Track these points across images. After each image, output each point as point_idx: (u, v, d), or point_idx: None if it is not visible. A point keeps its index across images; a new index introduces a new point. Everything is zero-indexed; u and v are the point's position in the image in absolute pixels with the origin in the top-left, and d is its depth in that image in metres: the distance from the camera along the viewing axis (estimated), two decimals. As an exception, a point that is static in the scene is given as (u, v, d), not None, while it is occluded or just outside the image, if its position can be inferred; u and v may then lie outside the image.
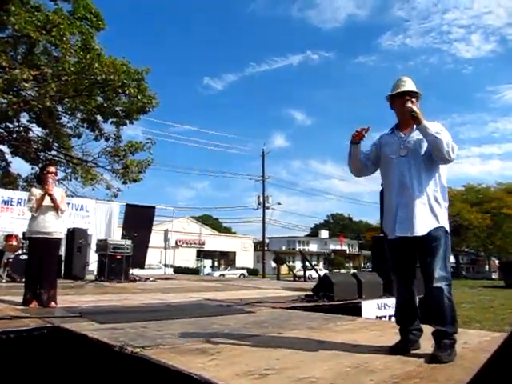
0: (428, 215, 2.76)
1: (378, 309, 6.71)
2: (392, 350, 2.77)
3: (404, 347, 2.78)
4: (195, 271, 34.33)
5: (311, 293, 6.63)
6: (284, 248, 60.01)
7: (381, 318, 6.54)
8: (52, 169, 5.24)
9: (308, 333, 3.52)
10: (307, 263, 14.50)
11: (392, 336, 3.42)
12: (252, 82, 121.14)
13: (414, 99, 2.91)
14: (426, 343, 2.75)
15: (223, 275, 32.20)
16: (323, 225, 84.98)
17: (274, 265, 53.01)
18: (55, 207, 4.98)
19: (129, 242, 10.16)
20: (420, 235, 2.73)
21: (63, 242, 8.74)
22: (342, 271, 49.97)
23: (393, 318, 6.81)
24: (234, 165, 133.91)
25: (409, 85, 2.99)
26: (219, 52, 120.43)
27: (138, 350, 2.67)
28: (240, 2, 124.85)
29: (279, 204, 47.29)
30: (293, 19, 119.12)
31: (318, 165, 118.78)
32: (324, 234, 71.41)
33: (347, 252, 67.16)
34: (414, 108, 2.81)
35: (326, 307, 5.81)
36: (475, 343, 3.09)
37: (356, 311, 6.13)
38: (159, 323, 3.89)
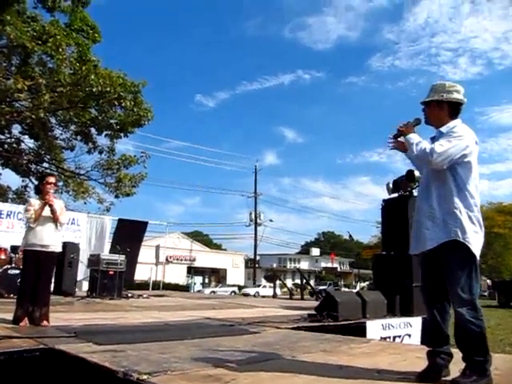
0: (437, 228, 2.59)
1: (383, 329, 6.48)
2: (421, 378, 2.54)
3: (434, 375, 2.55)
4: (185, 288, 33.68)
5: (314, 312, 6.39)
6: (275, 265, 59.51)
7: (385, 338, 6.30)
8: (52, 179, 4.99)
9: (323, 356, 3.27)
10: (305, 281, 14.21)
11: (414, 360, 3.22)
12: (244, 100, 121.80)
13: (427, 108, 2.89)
14: (457, 369, 2.52)
15: (214, 292, 31.59)
16: (314, 242, 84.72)
17: (264, 282, 52.54)
18: (54, 219, 4.72)
19: (122, 258, 9.84)
20: (430, 250, 2.62)
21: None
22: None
23: (397, 339, 6.68)
24: (225, 181, 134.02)
25: (429, 94, 2.88)
26: (211, 70, 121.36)
27: (145, 376, 2.41)
28: (232, 22, 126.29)
29: (271, 221, 47.13)
30: (284, 39, 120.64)
31: (309, 182, 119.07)
32: (315, 251, 71.12)
33: (338, 270, 66.74)
34: (401, 124, 2.88)
35: (331, 327, 5.57)
36: (505, 368, 2.87)
37: (361, 331, 5.90)
38: (162, 345, 3.63)
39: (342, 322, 5.88)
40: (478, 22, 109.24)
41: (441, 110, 2.82)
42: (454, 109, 2.82)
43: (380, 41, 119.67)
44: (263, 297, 24.01)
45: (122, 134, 14.30)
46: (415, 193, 8.31)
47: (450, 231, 2.55)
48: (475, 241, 2.55)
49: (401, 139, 2.89)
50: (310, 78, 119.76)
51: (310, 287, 13.86)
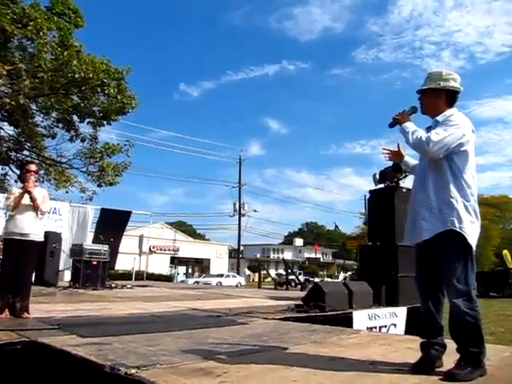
0: (433, 218, 2.55)
1: (369, 319, 6.50)
2: (416, 369, 2.50)
3: (428, 366, 2.52)
4: (168, 278, 33.40)
5: (301, 302, 6.36)
6: (259, 255, 59.67)
7: (371, 328, 6.32)
8: (32, 167, 4.82)
9: (315, 348, 3.23)
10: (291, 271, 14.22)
11: (405, 351, 3.20)
12: (228, 90, 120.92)
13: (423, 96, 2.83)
14: (451, 360, 2.49)
15: (197, 282, 31.17)
16: (297, 233, 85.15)
17: (248, 272, 52.68)
18: (35, 207, 4.55)
19: (106, 248, 9.68)
20: (425, 241, 2.59)
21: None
22: (316, 279, 50.05)
23: (383, 329, 6.71)
24: (208, 172, 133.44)
25: (425, 82, 2.82)
26: (196, 59, 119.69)
27: (134, 370, 2.32)
28: (218, 11, 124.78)
29: (255, 211, 47.09)
30: (270, 29, 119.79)
31: (293, 173, 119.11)
32: (298, 242, 71.51)
33: (321, 260, 67.27)
34: (397, 113, 2.82)
35: (318, 318, 5.55)
36: (498, 359, 2.85)
37: (347, 321, 5.90)
38: (148, 337, 3.54)
39: (329, 313, 5.87)
40: (461, 15, 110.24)
41: (437, 98, 2.76)
42: (450, 97, 2.77)
43: (364, 33, 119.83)
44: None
45: (105, 122, 13.97)
46: (402, 184, 8.33)
47: (447, 221, 2.50)
48: (471, 231, 2.51)
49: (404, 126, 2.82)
50: (295, 68, 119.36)
51: (296, 278, 13.86)
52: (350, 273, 54.98)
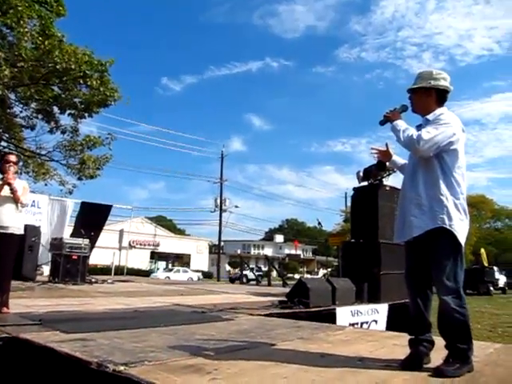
0: (424, 216, 2.56)
1: (352, 316, 6.56)
2: (404, 365, 2.51)
3: (416, 362, 2.53)
4: (148, 274, 32.94)
5: (285, 298, 6.37)
6: (239, 251, 59.67)
7: (353, 324, 6.37)
8: (11, 158, 4.68)
9: (303, 344, 3.22)
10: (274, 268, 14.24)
11: (392, 347, 3.23)
12: (211, 86, 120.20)
13: (413, 95, 2.84)
14: (439, 356, 2.52)
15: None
16: (278, 229, 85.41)
17: (228, 268, 52.59)
18: (15, 199, 4.42)
19: (86, 242, 9.51)
20: (415, 238, 2.59)
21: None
22: (296, 276, 50.31)
23: (364, 325, 6.77)
24: (190, 167, 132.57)
25: (416, 81, 2.84)
26: (178, 53, 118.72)
27: (122, 367, 2.26)
28: (201, 6, 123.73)
29: (237, 207, 47.01)
30: (253, 26, 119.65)
31: (274, 170, 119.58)
32: (279, 238, 71.74)
33: (301, 257, 67.66)
34: (387, 111, 2.84)
35: (302, 314, 5.56)
36: (483, 356, 2.90)
37: (331, 318, 5.94)
38: (134, 333, 3.47)
39: (313, 309, 5.89)
40: (442, 18, 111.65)
41: (428, 96, 2.78)
42: (440, 96, 2.79)
43: (348, 32, 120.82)
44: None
45: (86, 114, 13.74)
46: (385, 182, 8.40)
47: (437, 218, 2.52)
48: (461, 228, 2.53)
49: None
50: (278, 65, 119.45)
51: (280, 276, 13.91)
52: (329, 269, 55.44)
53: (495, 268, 31.10)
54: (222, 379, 2.17)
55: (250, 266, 40.21)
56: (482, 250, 29.70)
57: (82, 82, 12.18)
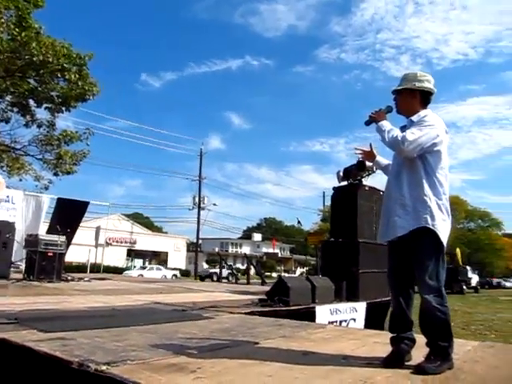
0: (407, 215, 2.60)
1: (331, 314, 6.61)
2: (386, 363, 2.55)
3: (398, 360, 2.57)
4: (123, 271, 32.35)
5: (265, 297, 6.37)
6: (217, 249, 59.51)
7: (332, 323, 6.43)
8: None
9: (285, 342, 3.23)
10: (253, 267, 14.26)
11: (373, 345, 3.26)
12: (191, 82, 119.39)
13: (398, 96, 2.87)
14: (419, 354, 2.56)
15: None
16: (256, 228, 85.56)
17: (206, 266, 52.41)
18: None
19: (63, 239, 9.32)
20: (399, 238, 2.62)
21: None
22: (274, 274, 50.50)
23: (343, 324, 6.84)
24: (168, 164, 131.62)
25: (400, 82, 2.87)
26: (158, 49, 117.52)
27: (104, 367, 2.22)
28: (181, 3, 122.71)
29: (215, 205, 46.93)
30: (234, 24, 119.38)
31: (253, 169, 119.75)
32: (257, 236, 71.89)
33: (279, 255, 67.97)
34: (373, 111, 2.86)
35: (282, 312, 5.58)
36: (462, 353, 2.95)
37: (310, 316, 5.97)
38: (114, 331, 3.42)
39: (293, 307, 5.91)
40: (420, 22, 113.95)
41: (412, 98, 2.82)
42: (424, 98, 2.84)
43: (328, 33, 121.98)
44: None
45: (63, 108, 13.45)
46: (365, 181, 8.50)
47: (420, 218, 2.56)
48: (443, 228, 2.58)
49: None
50: (259, 64, 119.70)
51: (259, 274, 13.92)
52: (306, 268, 55.83)
53: (468, 267, 31.89)
54: (207, 378, 2.15)
55: (222, 264, 40.30)
56: (458, 250, 30.36)
57: (59, 75, 11.93)
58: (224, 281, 21.90)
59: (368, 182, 8.50)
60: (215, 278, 33.84)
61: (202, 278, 34.51)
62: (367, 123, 2.92)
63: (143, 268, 35.25)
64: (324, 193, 52.96)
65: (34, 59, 10.98)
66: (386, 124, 2.77)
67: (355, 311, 7.26)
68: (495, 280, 46.80)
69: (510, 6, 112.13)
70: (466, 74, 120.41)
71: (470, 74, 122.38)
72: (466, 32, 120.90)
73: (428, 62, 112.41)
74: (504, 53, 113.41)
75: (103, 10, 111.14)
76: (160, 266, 37.70)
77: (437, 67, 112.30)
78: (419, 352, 2.55)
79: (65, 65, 11.52)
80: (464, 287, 28.43)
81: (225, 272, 35.59)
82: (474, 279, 32.71)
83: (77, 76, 11.97)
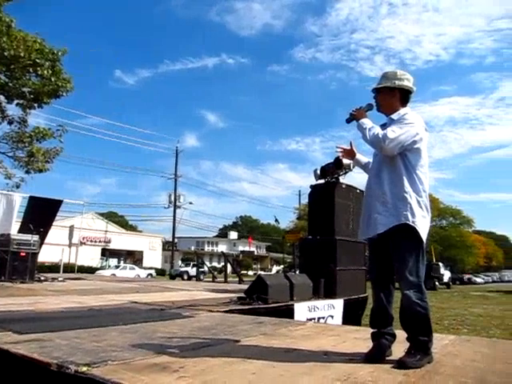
0: (388, 212, 2.63)
1: (309, 311, 6.66)
2: (368, 358, 2.58)
3: (379, 355, 2.60)
4: (97, 271, 31.60)
5: (243, 295, 6.37)
6: (193, 248, 59.20)
7: (311, 320, 6.47)
8: None
9: (266, 340, 3.23)
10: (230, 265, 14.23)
11: (353, 341, 3.30)
12: (166, 80, 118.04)
13: (378, 95, 2.91)
14: (400, 349, 2.59)
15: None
16: (232, 226, 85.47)
17: (182, 265, 52.04)
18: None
19: (36, 238, 9.12)
20: (379, 235, 2.65)
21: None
22: (250, 273, 50.59)
23: (321, 320, 6.89)
24: (143, 162, 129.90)
25: (380, 81, 2.91)
26: (132, 46, 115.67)
27: (84, 368, 2.18)
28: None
29: (191, 203, 46.72)
30: (210, 22, 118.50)
31: (229, 167, 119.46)
32: (233, 235, 71.78)
33: (255, 253, 68.07)
34: (354, 109, 2.90)
35: (261, 310, 5.59)
36: (440, 347, 3.01)
37: (289, 313, 6.00)
38: (92, 332, 3.36)
39: (272, 305, 5.93)
40: (394, 23, 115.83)
41: (392, 96, 2.86)
42: (404, 96, 2.87)
43: (303, 32, 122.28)
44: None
45: (36, 105, 13.08)
46: (342, 179, 8.58)
47: (401, 215, 2.59)
48: (423, 225, 2.62)
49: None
50: (235, 62, 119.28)
51: (236, 272, 13.91)
52: (282, 266, 56.08)
53: (440, 264, 32.61)
54: (190, 377, 2.13)
55: (193, 263, 40.35)
56: (431, 247, 31.02)
57: (31, 70, 11.59)
58: (193, 279, 21.82)
59: (345, 180, 8.59)
60: (186, 277, 33.82)
61: (173, 277, 34.18)
62: (348, 121, 2.94)
63: (116, 267, 34.54)
64: (300, 191, 53.35)
65: (5, 54, 10.64)
66: (366, 122, 2.80)
67: (333, 308, 7.33)
68: (466, 276, 48.02)
69: (480, 9, 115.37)
70: (438, 74, 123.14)
71: (441, 75, 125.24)
72: (437, 33, 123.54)
73: (401, 63, 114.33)
74: (474, 54, 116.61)
75: (76, 6, 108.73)
76: (133, 266, 37.03)
77: (410, 67, 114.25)
78: (400, 347, 2.58)
79: (37, 60, 11.19)
80: (436, 283, 29.06)
81: (195, 271, 35.73)
82: (446, 275, 33.45)
83: (50, 72, 11.65)
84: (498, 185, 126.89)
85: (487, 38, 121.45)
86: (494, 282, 52.98)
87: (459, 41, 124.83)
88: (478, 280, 48.19)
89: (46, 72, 11.57)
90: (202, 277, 22.18)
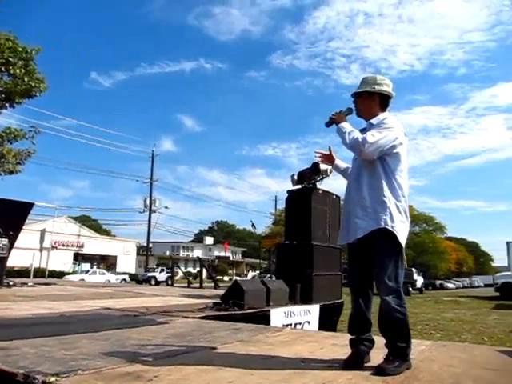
0: (367, 217, 2.62)
1: (285, 317, 6.62)
2: (346, 365, 2.54)
3: (358, 361, 2.57)
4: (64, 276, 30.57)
5: (219, 300, 6.28)
6: (168, 253, 58.57)
7: (287, 325, 6.43)
8: None
9: (243, 347, 3.16)
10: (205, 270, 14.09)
11: (331, 347, 3.27)
12: (142, 83, 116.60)
13: (357, 99, 2.91)
14: (378, 355, 2.57)
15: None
16: (208, 231, 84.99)
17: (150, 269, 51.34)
18: None
19: (5, 242, 8.83)
20: (359, 239, 2.63)
21: None
22: (226, 278, 50.32)
23: (298, 326, 6.86)
24: (118, 165, 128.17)
25: (360, 85, 2.91)
26: (108, 48, 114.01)
27: (53, 378, 2.08)
28: (134, 2, 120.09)
29: (166, 208, 46.25)
30: (188, 26, 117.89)
31: (205, 172, 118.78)
32: (209, 240, 71.30)
33: (231, 259, 67.79)
34: (333, 113, 2.88)
35: (237, 316, 5.52)
36: (417, 352, 3.00)
37: (265, 319, 5.95)
38: (62, 339, 3.23)
39: (249, 311, 5.86)
40: (369, 33, 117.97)
41: (372, 101, 2.86)
42: (383, 101, 2.88)
43: (281, 39, 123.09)
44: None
45: (7, 105, 12.72)
46: (318, 185, 8.60)
47: (380, 219, 2.58)
48: (402, 230, 2.61)
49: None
50: (212, 67, 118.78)
51: (211, 278, 13.76)
52: (258, 271, 56.04)
53: (414, 270, 33.12)
54: (165, 386, 2.05)
55: (160, 268, 40.08)
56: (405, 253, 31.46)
57: (3, 69, 11.23)
58: (163, 285, 21.45)
59: (322, 185, 8.61)
60: (153, 283, 33.39)
61: (140, 282, 33.49)
62: (327, 124, 2.92)
63: (86, 272, 33.53)
64: (276, 196, 53.53)
65: (-24, 51, 10.34)
66: (346, 126, 2.79)
67: (309, 313, 7.31)
68: (438, 282, 48.95)
69: (453, 21, 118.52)
70: (412, 84, 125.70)
71: (415, 84, 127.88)
72: (412, 44, 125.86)
73: (377, 72, 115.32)
74: (447, 65, 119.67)
75: (53, 6, 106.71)
76: (104, 271, 36.10)
77: (385, 76, 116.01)
78: (378, 353, 2.56)
79: (9, 58, 10.88)
80: (410, 289, 29.49)
81: (164, 276, 35.38)
82: (419, 281, 34.01)
83: (22, 71, 11.34)
84: (469, 192, 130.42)
85: (459, 49, 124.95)
86: (464, 287, 54.22)
87: (432, 52, 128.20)
88: (450, 285, 49.20)
89: (18, 71, 11.26)
90: (170, 281, 21.83)
